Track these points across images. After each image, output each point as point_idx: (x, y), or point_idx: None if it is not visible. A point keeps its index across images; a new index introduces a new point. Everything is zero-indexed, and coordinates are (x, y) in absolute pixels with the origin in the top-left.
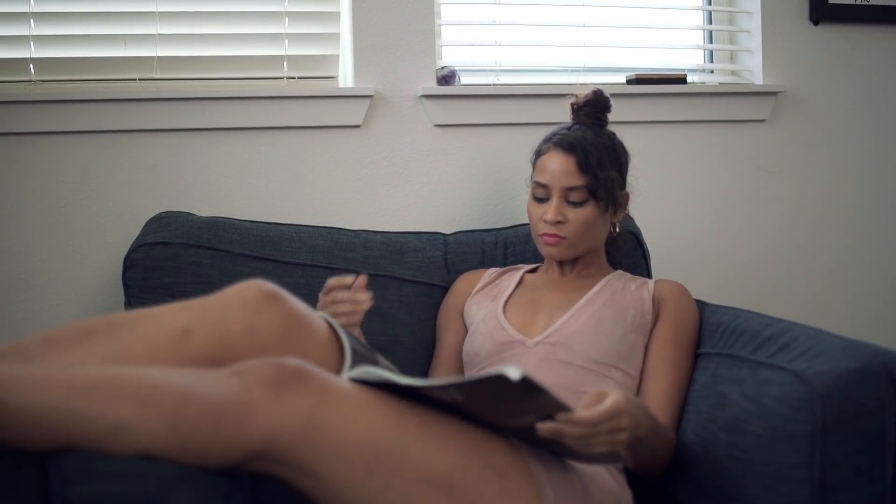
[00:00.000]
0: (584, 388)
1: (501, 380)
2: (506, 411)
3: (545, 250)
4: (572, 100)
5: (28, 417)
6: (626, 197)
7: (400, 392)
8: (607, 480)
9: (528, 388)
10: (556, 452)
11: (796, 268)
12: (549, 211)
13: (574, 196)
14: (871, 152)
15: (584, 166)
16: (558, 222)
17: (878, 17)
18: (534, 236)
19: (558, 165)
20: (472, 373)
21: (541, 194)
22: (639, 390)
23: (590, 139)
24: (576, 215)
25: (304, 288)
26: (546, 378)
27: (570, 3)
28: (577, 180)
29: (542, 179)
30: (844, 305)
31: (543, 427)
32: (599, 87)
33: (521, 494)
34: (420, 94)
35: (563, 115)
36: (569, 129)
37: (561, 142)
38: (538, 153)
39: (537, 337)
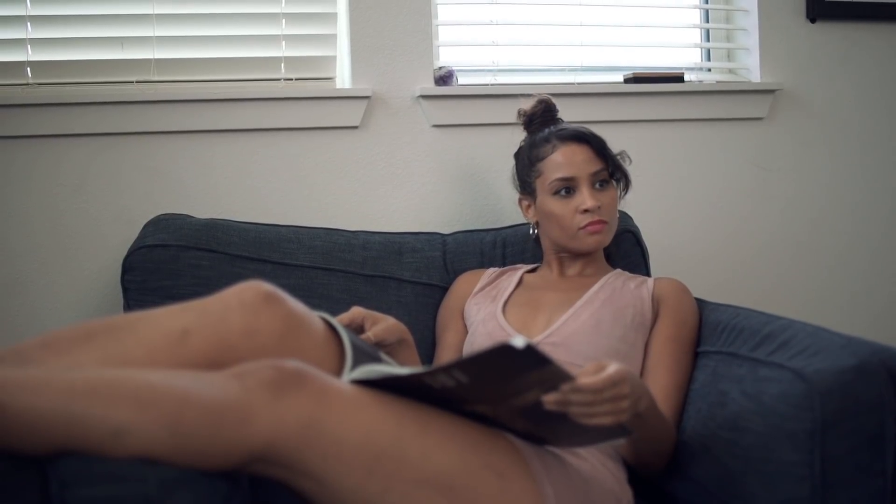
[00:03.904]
0: None
1: (506, 350)
2: (510, 390)
3: (589, 241)
4: (520, 113)
5: (27, 421)
6: None
7: (404, 390)
8: (607, 479)
9: (532, 358)
10: (560, 441)
11: (795, 265)
12: (587, 198)
13: (600, 179)
14: (869, 149)
15: (600, 149)
16: (599, 207)
17: (875, 14)
18: (566, 235)
19: (579, 155)
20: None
21: (565, 188)
22: None
23: (585, 129)
24: (606, 198)
25: (303, 289)
26: None
27: (567, 3)
28: (598, 164)
29: (566, 173)
30: (844, 302)
31: (549, 398)
32: (547, 95)
33: (522, 494)
34: (418, 94)
35: (561, 113)
36: (554, 126)
37: (569, 135)
38: (540, 156)
39: (538, 337)
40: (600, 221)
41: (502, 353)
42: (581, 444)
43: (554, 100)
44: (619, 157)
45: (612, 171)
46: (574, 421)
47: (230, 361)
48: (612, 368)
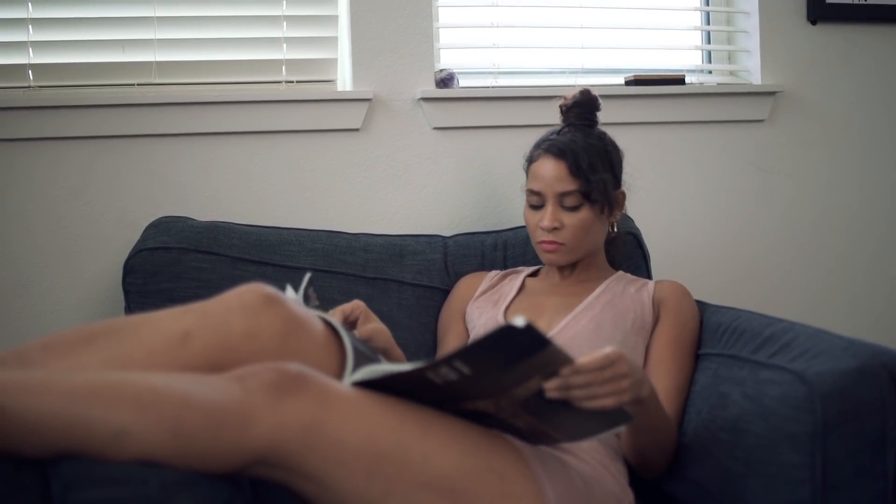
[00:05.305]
0: None
1: (508, 331)
2: (512, 379)
3: (545, 257)
4: (560, 101)
5: (29, 423)
6: (623, 196)
7: (406, 389)
8: (608, 481)
9: (533, 339)
10: (563, 434)
11: (796, 267)
12: (545, 218)
13: (568, 201)
14: (869, 151)
15: (575, 170)
16: (555, 228)
17: (876, 17)
18: (533, 243)
19: (550, 171)
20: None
21: (535, 201)
22: None
23: (580, 142)
24: (572, 220)
25: None
26: None
27: (568, 5)
28: (569, 185)
29: (536, 187)
30: (844, 304)
31: (551, 385)
32: (588, 87)
33: (523, 497)
34: (418, 96)
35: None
36: (558, 133)
37: (551, 148)
38: (530, 160)
39: None
40: (554, 242)
41: (504, 335)
42: (584, 435)
43: (554, 103)
44: (604, 179)
45: (588, 194)
46: (577, 408)
47: (231, 364)
48: (608, 348)
